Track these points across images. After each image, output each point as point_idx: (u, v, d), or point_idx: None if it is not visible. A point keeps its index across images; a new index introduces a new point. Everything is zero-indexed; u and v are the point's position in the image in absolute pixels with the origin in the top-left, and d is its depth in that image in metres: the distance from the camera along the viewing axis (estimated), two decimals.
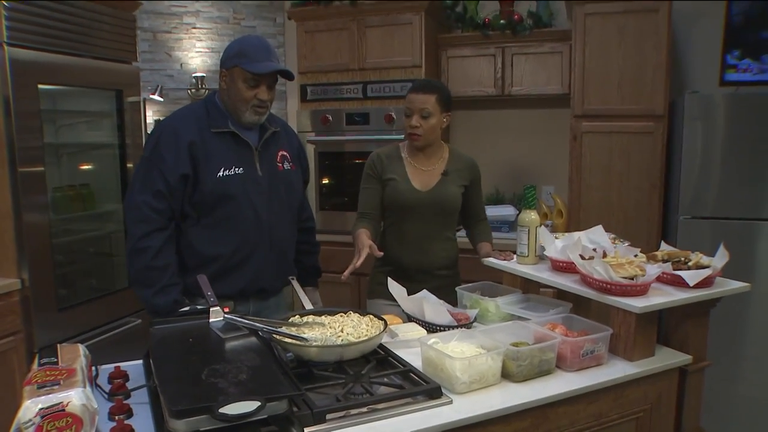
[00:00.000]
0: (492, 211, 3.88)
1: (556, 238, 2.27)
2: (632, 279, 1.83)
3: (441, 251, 2.50)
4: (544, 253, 2.20)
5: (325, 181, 4.08)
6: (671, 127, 3.40)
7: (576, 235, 2.21)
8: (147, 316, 3.50)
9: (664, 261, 2.01)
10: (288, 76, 2.15)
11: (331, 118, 3.96)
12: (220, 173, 2.08)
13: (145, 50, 4.20)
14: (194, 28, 4.37)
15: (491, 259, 2.32)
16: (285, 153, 2.28)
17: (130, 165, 3.50)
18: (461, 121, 4.39)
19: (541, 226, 2.24)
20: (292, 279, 2.27)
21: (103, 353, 3.12)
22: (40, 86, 2.93)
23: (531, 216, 2.22)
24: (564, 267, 2.11)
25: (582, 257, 2.00)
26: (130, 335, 3.41)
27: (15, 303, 2.85)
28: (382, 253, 2.28)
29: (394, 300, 2.26)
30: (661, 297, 1.82)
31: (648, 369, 1.78)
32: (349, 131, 3.94)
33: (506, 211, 3.91)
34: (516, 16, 3.79)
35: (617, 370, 1.76)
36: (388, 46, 3.84)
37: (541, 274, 2.14)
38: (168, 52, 4.30)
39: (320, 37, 3.98)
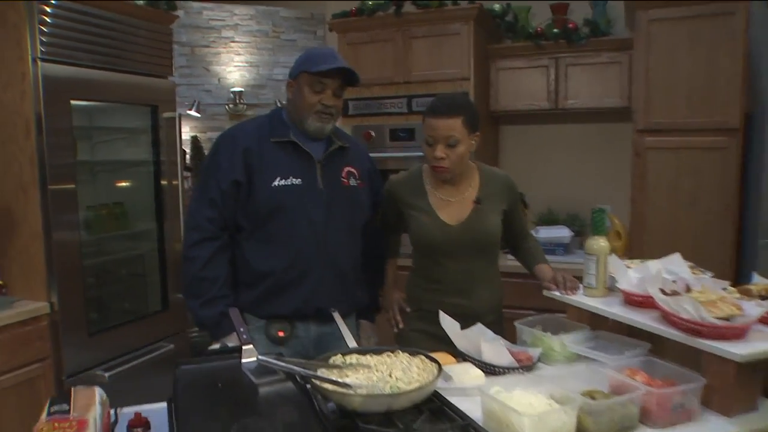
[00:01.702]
0: (545, 233, 3.64)
1: (629, 267, 2.02)
2: (727, 320, 1.57)
3: (484, 293, 2.18)
4: (616, 285, 1.95)
5: None
6: (747, 141, 3.09)
7: (653, 265, 1.96)
8: (180, 341, 3.42)
9: (762, 297, 1.74)
10: (353, 79, 2.07)
11: (374, 134, 3.77)
12: (276, 183, 2.00)
13: (183, 65, 4.10)
14: (233, 41, 4.26)
15: (555, 293, 2.07)
16: (352, 170, 2.16)
17: (164, 182, 3.37)
18: (512, 137, 4.16)
19: (611, 254, 1.99)
20: (333, 312, 2.06)
21: (133, 379, 3.03)
22: (73, 102, 2.83)
23: (600, 243, 1.98)
24: (640, 301, 1.86)
25: (663, 292, 1.74)
26: (163, 361, 3.25)
27: (44, 328, 2.74)
28: (408, 310, 2.25)
29: (435, 349, 2.02)
30: (766, 341, 1.55)
31: (751, 428, 1.51)
32: (393, 148, 3.75)
33: (561, 232, 3.65)
34: (571, 24, 3.55)
35: (713, 427, 1.50)
36: (434, 57, 3.65)
37: (613, 309, 1.89)
38: (206, 67, 4.19)
39: (363, 49, 3.81)
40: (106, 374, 2.93)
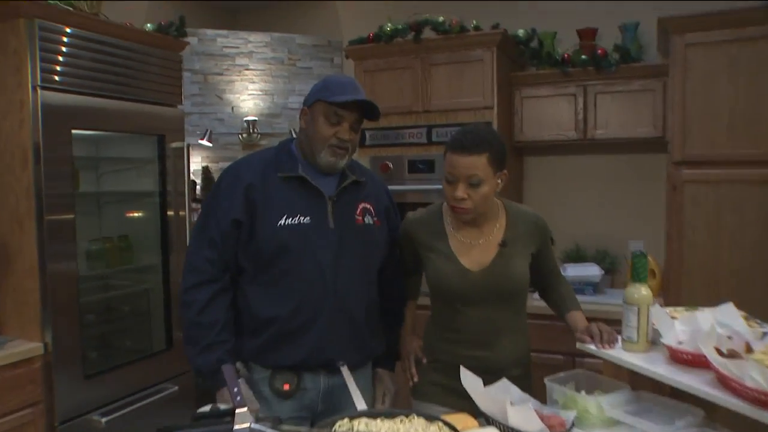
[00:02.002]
0: (574, 271, 3.41)
1: (674, 317, 1.79)
2: None
3: (509, 345, 1.96)
4: (662, 340, 1.72)
5: None
6: None
7: (703, 317, 1.73)
8: (185, 382, 3.22)
9: None
10: (373, 113, 1.91)
11: (391, 166, 3.60)
12: (282, 221, 1.83)
13: (195, 93, 3.98)
14: (247, 69, 4.13)
15: (590, 346, 1.84)
16: (368, 206, 1.98)
17: (170, 213, 3.22)
18: (537, 169, 3.96)
19: (654, 304, 1.77)
20: (342, 366, 1.86)
21: (134, 424, 2.83)
22: (75, 132, 2.70)
23: (642, 291, 1.75)
24: (688, 360, 1.63)
25: (719, 352, 1.51)
26: (167, 403, 3.07)
27: (36, 370, 2.57)
28: (425, 361, 2.02)
29: (454, 405, 1.82)
30: None
31: None
32: (412, 180, 3.56)
33: (590, 270, 3.41)
34: (600, 51, 3.36)
35: None
36: (455, 85, 3.47)
37: (657, 368, 1.65)
38: (219, 95, 4.06)
39: (380, 77, 3.65)
40: (103, 419, 2.76)
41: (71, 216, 2.69)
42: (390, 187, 3.52)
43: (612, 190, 3.77)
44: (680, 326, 1.73)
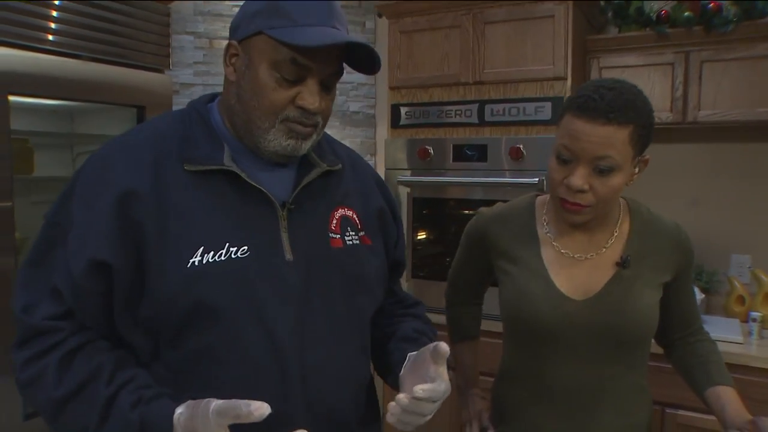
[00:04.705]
0: None
1: None
2: None
3: (618, 419, 1.34)
4: None
5: (421, 236, 2.98)
6: None
7: None
8: None
9: None
10: (366, 59, 1.09)
11: (432, 152, 2.87)
12: (195, 258, 1.02)
13: (199, 60, 3.34)
14: None
15: None
16: (349, 213, 1.21)
17: None
18: None
19: None
20: None
21: None
22: (12, 98, 2.08)
23: None
24: None
25: None
26: None
27: None
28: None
29: None
30: None
31: None
32: (459, 170, 2.83)
33: None
34: (712, 4, 2.56)
35: None
36: (517, 50, 2.72)
37: None
38: None
39: (421, 39, 2.92)
40: None
41: (8, 204, 2.07)
42: (429, 179, 2.84)
43: (712, 188, 2.99)
44: None
